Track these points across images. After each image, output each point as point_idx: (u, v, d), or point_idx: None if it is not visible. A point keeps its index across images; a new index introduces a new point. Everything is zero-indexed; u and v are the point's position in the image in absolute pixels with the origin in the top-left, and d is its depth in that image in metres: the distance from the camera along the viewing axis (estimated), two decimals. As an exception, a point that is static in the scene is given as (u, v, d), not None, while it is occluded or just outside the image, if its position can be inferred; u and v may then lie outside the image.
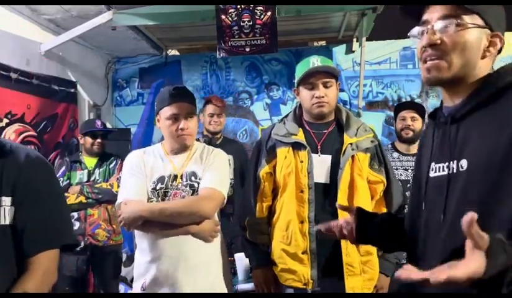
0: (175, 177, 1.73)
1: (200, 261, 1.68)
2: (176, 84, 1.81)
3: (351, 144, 1.79)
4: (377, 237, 1.20)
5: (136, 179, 1.72)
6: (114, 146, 3.42)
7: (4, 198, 1.08)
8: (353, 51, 4.53)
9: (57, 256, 1.20)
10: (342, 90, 4.54)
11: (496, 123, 0.88)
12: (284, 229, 1.81)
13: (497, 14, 0.97)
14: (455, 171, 0.93)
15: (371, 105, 4.54)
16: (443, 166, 0.97)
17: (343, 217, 1.24)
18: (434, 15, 0.96)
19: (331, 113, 1.89)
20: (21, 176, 1.13)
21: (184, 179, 1.73)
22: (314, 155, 1.80)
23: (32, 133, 3.25)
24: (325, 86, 1.82)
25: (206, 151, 1.82)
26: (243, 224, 1.93)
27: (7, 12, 3.09)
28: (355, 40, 4.48)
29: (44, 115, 3.41)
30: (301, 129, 1.87)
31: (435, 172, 1.00)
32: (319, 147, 1.83)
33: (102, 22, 3.36)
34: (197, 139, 3.07)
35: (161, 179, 1.73)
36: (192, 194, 1.71)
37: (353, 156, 1.78)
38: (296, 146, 1.82)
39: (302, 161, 1.79)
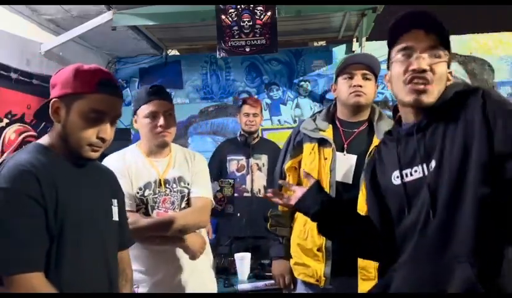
0: (160, 182, 1.72)
1: (190, 269, 1.71)
2: (164, 84, 1.82)
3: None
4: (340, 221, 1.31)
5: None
6: (114, 146, 3.41)
7: (114, 200, 1.32)
8: (353, 51, 4.52)
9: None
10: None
11: (452, 125, 1.05)
12: (303, 224, 1.82)
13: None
14: (426, 172, 1.07)
15: (371, 105, 4.54)
16: (416, 170, 1.10)
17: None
18: (420, 44, 1.09)
19: (366, 110, 1.85)
20: (117, 184, 1.41)
21: (171, 184, 1.72)
22: (338, 153, 1.77)
23: (32, 133, 3.25)
24: (364, 78, 1.79)
25: (189, 155, 1.82)
26: (266, 215, 1.97)
27: (7, 12, 3.09)
28: (355, 40, 4.48)
29: (44, 115, 3.40)
30: (331, 126, 1.84)
31: (408, 177, 1.12)
32: (345, 146, 1.80)
33: (102, 22, 3.36)
34: (236, 139, 3.13)
35: (148, 185, 1.71)
36: (181, 199, 1.71)
37: None
38: (322, 143, 1.80)
39: (326, 158, 1.77)
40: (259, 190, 3.09)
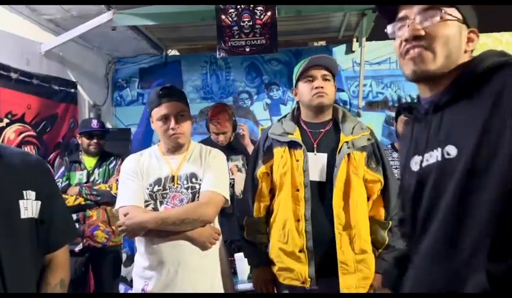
0: (173, 178, 1.72)
1: (199, 264, 1.67)
2: (165, 84, 1.81)
3: (347, 142, 1.80)
4: None
5: (132, 184, 1.71)
6: (114, 146, 3.42)
7: (29, 192, 1.11)
8: (353, 51, 4.53)
9: (68, 250, 1.28)
10: (342, 90, 4.54)
11: (483, 107, 0.84)
12: (281, 228, 1.82)
13: (471, 11, 0.98)
14: (440, 158, 0.90)
15: (371, 105, 4.54)
16: (429, 155, 0.93)
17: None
18: (413, 9, 0.95)
19: (329, 111, 1.90)
20: (41, 173, 1.19)
21: (183, 181, 1.71)
22: (309, 154, 1.81)
23: (32, 133, 3.25)
24: (324, 79, 1.84)
25: (204, 151, 1.81)
26: (242, 224, 1.94)
27: (7, 12, 3.09)
28: (355, 40, 4.49)
29: (44, 115, 3.40)
30: (297, 128, 1.88)
31: (420, 164, 0.96)
32: (314, 146, 1.83)
33: (102, 22, 3.36)
34: (210, 140, 3.02)
35: (158, 181, 1.71)
36: (193, 196, 1.70)
37: (349, 155, 1.79)
38: (292, 145, 1.83)
39: (297, 160, 1.80)
40: (241, 192, 3.01)
